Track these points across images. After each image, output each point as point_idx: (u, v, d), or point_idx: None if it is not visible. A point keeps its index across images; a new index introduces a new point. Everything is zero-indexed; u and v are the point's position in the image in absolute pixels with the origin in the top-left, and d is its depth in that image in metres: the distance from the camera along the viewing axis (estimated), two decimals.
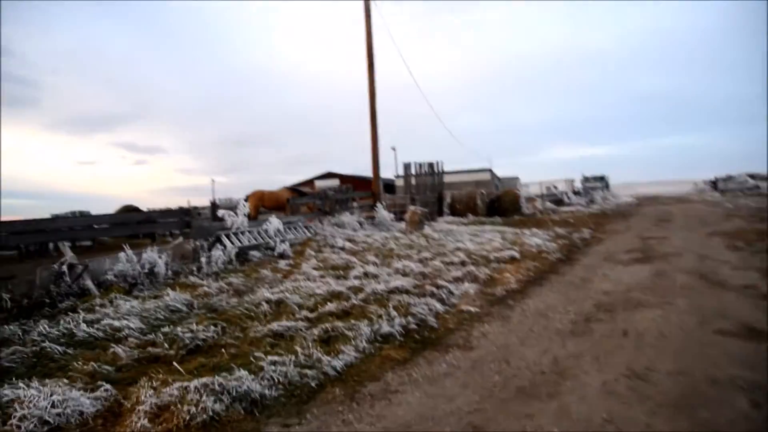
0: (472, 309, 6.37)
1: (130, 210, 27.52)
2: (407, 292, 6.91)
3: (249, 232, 11.16)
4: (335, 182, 43.46)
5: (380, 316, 5.66)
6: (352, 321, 5.53)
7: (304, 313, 6.01)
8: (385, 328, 5.32)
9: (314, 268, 9.10)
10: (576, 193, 42.44)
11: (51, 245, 14.00)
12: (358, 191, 34.35)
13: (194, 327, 5.49)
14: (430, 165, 25.52)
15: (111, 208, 33.30)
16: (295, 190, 18.09)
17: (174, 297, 6.90)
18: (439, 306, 6.31)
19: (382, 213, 17.58)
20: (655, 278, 7.66)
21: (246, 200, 17.69)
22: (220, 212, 10.67)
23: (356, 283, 7.59)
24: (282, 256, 10.49)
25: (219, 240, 10.29)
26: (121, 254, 8.48)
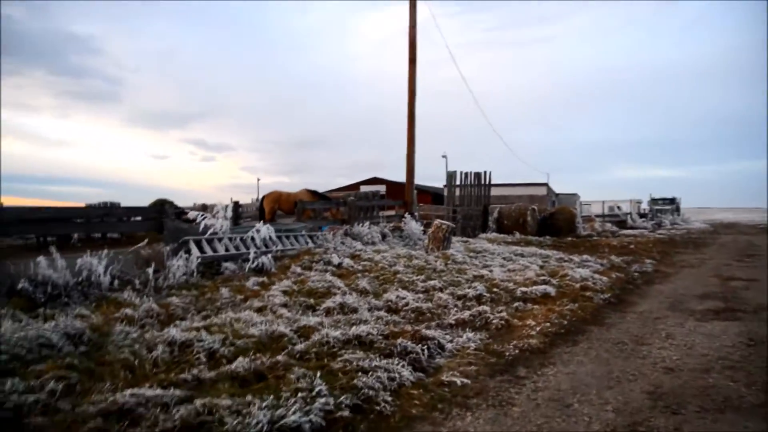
0: (458, 380, 4.24)
1: (162, 203, 26.71)
2: (371, 344, 4.84)
3: (231, 239, 9.40)
4: (381, 188, 41.71)
5: (298, 391, 3.64)
6: (251, 397, 3.54)
7: (196, 370, 4.07)
8: (293, 415, 3.29)
9: (283, 292, 7.19)
10: (642, 215, 38.69)
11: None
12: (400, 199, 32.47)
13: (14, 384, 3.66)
14: (477, 175, 23.19)
15: (180, 201, 32.78)
16: (317, 193, 16.36)
17: (64, 324, 5.14)
18: (406, 374, 4.22)
19: (411, 225, 15.52)
20: (746, 349, 5.23)
21: (261, 202, 16.09)
22: (191, 214, 8.98)
23: (315, 321, 5.59)
24: (260, 270, 8.65)
25: (185, 247, 8.57)
26: (41, 258, 6.86)
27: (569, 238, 20.91)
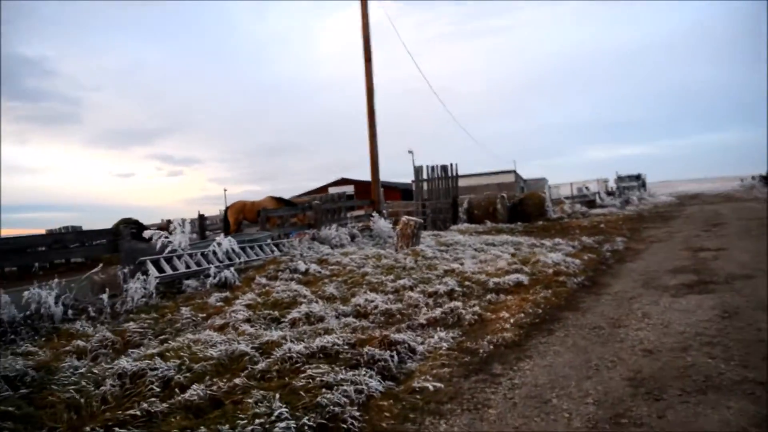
0: (430, 385, 3.99)
1: (128, 223, 25.85)
2: (336, 355, 4.56)
3: (191, 255, 8.99)
4: (349, 188, 41.35)
5: (256, 417, 3.34)
6: (205, 429, 3.23)
7: (146, 404, 3.73)
8: None
9: (247, 306, 6.84)
10: (609, 193, 39.23)
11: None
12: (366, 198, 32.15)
13: None
14: (444, 167, 23.05)
15: (148, 218, 31.83)
16: (282, 200, 15.97)
17: (2, 366, 4.72)
18: (375, 384, 3.95)
19: (380, 223, 15.26)
20: (721, 321, 5.12)
21: (225, 213, 15.62)
22: (147, 232, 8.54)
23: (278, 335, 5.27)
24: (223, 285, 8.27)
25: (142, 267, 8.14)
26: None
27: (540, 223, 20.95)
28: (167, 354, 4.86)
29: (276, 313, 6.48)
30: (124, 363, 4.47)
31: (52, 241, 8.32)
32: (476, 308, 6.20)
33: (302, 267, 8.97)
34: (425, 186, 23.40)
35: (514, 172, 36.65)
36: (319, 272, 8.98)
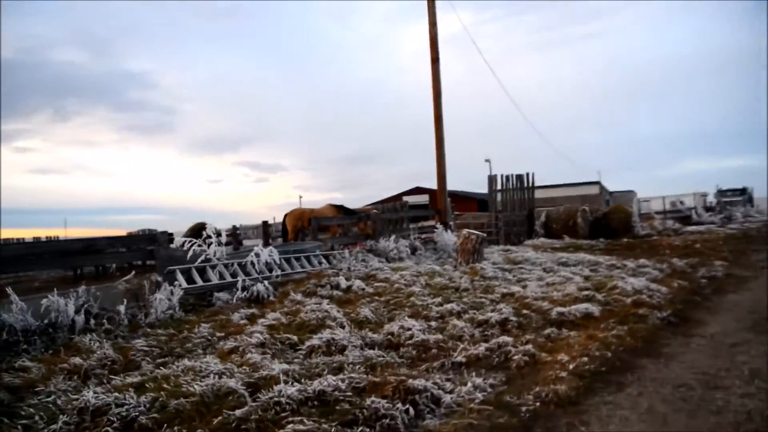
0: None
1: (202, 227, 26.43)
2: (334, 404, 3.66)
3: (227, 265, 8.46)
4: (424, 197, 40.42)
5: None
6: None
7: None
8: None
9: (269, 327, 6.12)
10: (708, 209, 35.60)
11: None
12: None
13: None
14: (519, 177, 21.61)
15: (233, 222, 32.72)
16: (342, 208, 15.35)
17: None
18: None
19: (444, 236, 14.24)
20: None
21: (284, 220, 15.23)
22: (178, 240, 8.09)
23: (282, 368, 4.46)
24: (255, 300, 7.64)
25: (172, 277, 7.68)
26: None
27: (625, 240, 18.95)
28: (147, 385, 4.19)
29: (296, 337, 5.70)
30: (89, 396, 3.82)
31: (83, 247, 8.03)
32: (529, 346, 5.08)
33: (344, 283, 8.18)
34: (499, 197, 22.07)
35: (599, 183, 34.13)
36: (363, 290, 8.13)
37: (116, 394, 3.89)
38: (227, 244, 21.73)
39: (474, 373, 4.52)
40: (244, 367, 4.69)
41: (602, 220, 22.20)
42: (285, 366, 4.58)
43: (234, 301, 7.64)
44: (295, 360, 4.99)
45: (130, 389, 4.03)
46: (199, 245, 8.16)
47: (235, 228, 20.61)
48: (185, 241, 8.08)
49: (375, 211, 13.27)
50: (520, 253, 13.26)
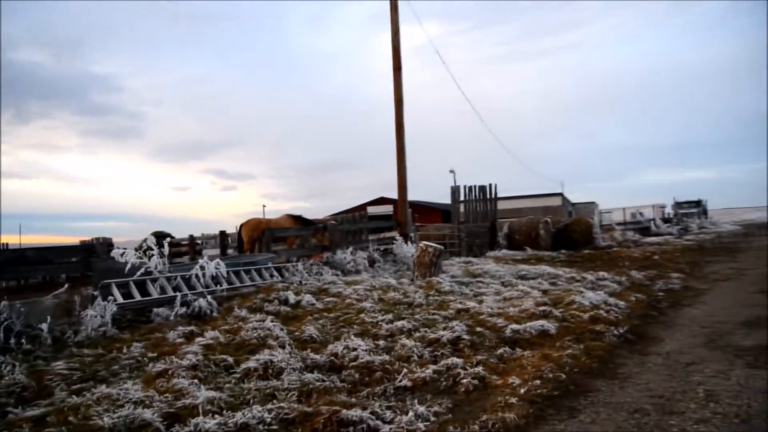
0: None
1: (161, 236, 25.47)
2: None
3: (170, 278, 7.93)
4: (388, 208, 40.13)
5: None
6: None
7: None
8: None
9: (205, 347, 5.66)
10: (666, 220, 36.43)
11: None
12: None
13: None
14: (482, 188, 21.58)
15: (199, 231, 31.47)
16: (300, 218, 14.89)
17: None
18: None
19: (403, 248, 13.94)
20: None
21: (239, 231, 14.66)
22: (115, 251, 7.53)
23: (204, 398, 4.03)
24: (197, 315, 7.15)
25: (107, 291, 7.13)
26: None
27: (586, 251, 19.05)
28: (49, 419, 3.70)
29: (232, 358, 5.26)
30: None
31: (12, 258, 7.40)
32: (479, 368, 4.77)
33: (292, 298, 7.76)
34: (462, 208, 21.97)
35: (561, 195, 34.49)
36: (312, 305, 7.73)
37: None
38: (183, 254, 21.03)
39: (418, 399, 4.18)
40: (167, 395, 4.25)
41: (564, 232, 22.33)
42: (212, 393, 4.15)
43: (173, 317, 7.13)
44: (227, 385, 4.56)
45: (25, 425, 3.54)
46: (139, 257, 7.61)
47: (192, 237, 19.83)
48: (122, 251, 7.51)
49: (332, 222, 12.87)
50: (481, 266, 13.05)
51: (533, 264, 14.35)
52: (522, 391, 4.22)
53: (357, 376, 4.81)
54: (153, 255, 7.75)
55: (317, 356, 5.30)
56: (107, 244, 7.69)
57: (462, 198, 21.60)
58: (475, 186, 21.38)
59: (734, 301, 7.92)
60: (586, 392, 4.27)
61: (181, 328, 6.55)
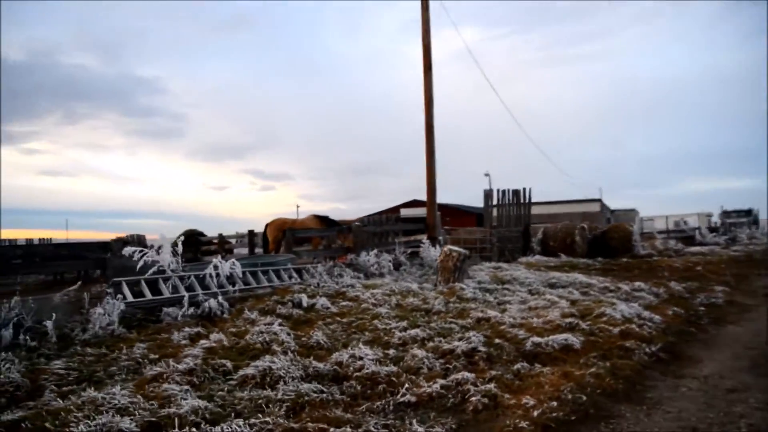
0: None
1: (192, 234, 25.73)
2: None
3: (183, 278, 7.79)
4: (422, 210, 39.70)
5: None
6: None
7: None
8: None
9: (207, 350, 5.44)
10: (712, 229, 34.78)
11: None
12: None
13: None
14: (515, 192, 20.95)
15: (238, 229, 31.72)
16: (326, 219, 14.69)
17: None
18: None
19: (430, 252, 13.54)
20: None
21: (265, 230, 14.57)
22: (127, 249, 7.43)
23: (190, 407, 3.77)
24: (207, 316, 6.97)
25: (118, 289, 7.02)
26: None
27: (624, 260, 18.18)
28: (24, 425, 3.51)
29: (231, 365, 5.01)
30: None
31: (24, 254, 7.39)
32: (492, 385, 4.37)
33: (306, 301, 7.49)
34: (495, 212, 21.39)
35: (600, 201, 33.33)
36: (327, 308, 7.45)
37: None
38: (214, 252, 21.15)
39: (420, 418, 3.84)
40: (153, 401, 4.02)
41: (601, 239, 21.46)
42: (198, 403, 3.90)
43: (182, 317, 6.96)
44: (219, 393, 4.30)
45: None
46: (151, 255, 7.48)
47: (221, 236, 19.90)
48: (135, 250, 7.40)
49: (357, 223, 12.60)
50: (511, 272, 12.55)
51: (566, 271, 13.72)
52: (535, 413, 3.82)
53: (359, 388, 4.49)
54: (165, 253, 7.62)
55: (321, 364, 4.99)
56: (122, 242, 7.69)
57: (495, 202, 21.01)
58: (508, 190, 20.79)
59: None
60: (608, 418, 3.83)
61: (188, 329, 6.36)
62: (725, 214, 40.26)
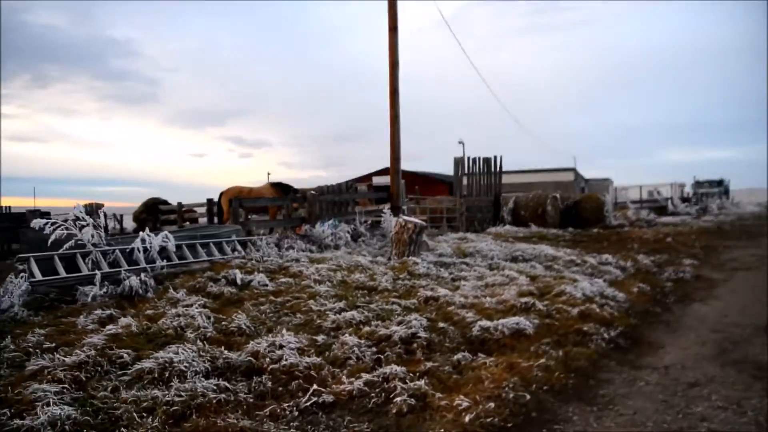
0: None
1: (156, 203, 24.63)
2: None
3: (106, 253, 7.01)
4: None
5: None
6: None
7: None
8: None
9: (111, 337, 4.74)
10: (684, 199, 34.84)
11: None
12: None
13: None
14: (486, 160, 20.34)
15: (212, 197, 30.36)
16: (282, 186, 13.87)
17: None
18: None
19: (391, 223, 12.88)
20: None
21: (219, 199, 13.74)
22: (36, 221, 6.60)
23: (50, 417, 3.10)
24: (128, 296, 6.24)
25: (26, 266, 6.24)
26: None
27: (595, 230, 17.84)
28: None
29: (130, 356, 4.32)
30: None
31: None
32: (422, 382, 3.78)
33: (240, 278, 6.80)
34: (465, 180, 20.81)
35: (574, 170, 32.93)
36: (265, 286, 6.77)
37: None
38: (172, 222, 20.21)
39: (332, 422, 3.23)
40: (16, 406, 3.34)
41: (573, 209, 21.06)
42: (62, 411, 3.22)
43: (100, 298, 6.22)
44: (102, 394, 3.63)
45: None
46: (67, 228, 6.67)
47: (180, 205, 18.97)
48: (47, 221, 6.57)
49: (312, 192, 11.86)
50: (475, 243, 12.01)
51: (534, 243, 13.26)
52: (468, 418, 3.24)
53: (270, 384, 3.85)
54: (85, 226, 6.81)
55: (234, 355, 4.34)
56: (39, 213, 6.85)
57: (466, 171, 20.41)
58: (479, 158, 20.16)
59: (755, 297, 6.81)
60: (552, 423, 3.27)
61: (99, 311, 5.63)
62: (697, 184, 40.42)
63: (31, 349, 4.64)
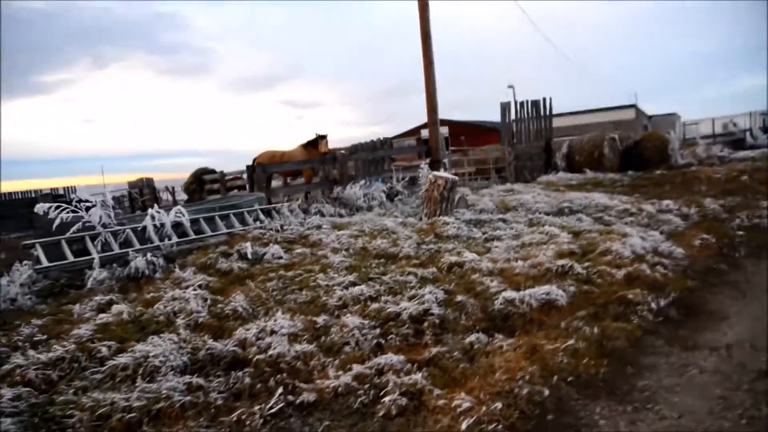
0: None
1: (204, 172, 24.87)
2: None
3: (117, 233, 6.74)
4: (444, 130, 37.63)
5: None
6: None
7: None
8: None
9: (100, 327, 4.43)
10: (766, 130, 31.63)
11: None
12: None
13: None
14: (534, 103, 18.92)
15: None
16: (316, 146, 13.25)
17: None
18: None
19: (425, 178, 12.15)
20: None
21: (252, 165, 13.35)
22: (39, 206, 6.35)
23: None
24: (135, 278, 5.95)
25: (32, 252, 6.06)
26: None
27: (658, 172, 16.31)
28: None
29: (110, 349, 3.97)
30: None
31: None
32: (419, 375, 3.19)
33: (251, 252, 6.37)
34: (514, 127, 19.53)
35: (635, 107, 30.32)
36: (279, 259, 6.32)
37: None
38: (216, 191, 20.23)
39: (306, 430, 2.73)
40: None
41: (634, 150, 19.40)
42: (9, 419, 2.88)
43: (107, 281, 5.97)
44: (62, 398, 3.29)
45: None
46: (73, 210, 6.42)
47: (222, 174, 18.89)
48: (50, 206, 6.35)
49: (342, 151, 11.24)
50: (521, 195, 11.11)
51: (588, 191, 12.18)
52: (465, 424, 2.64)
53: (248, 380, 3.38)
54: (92, 207, 6.54)
55: (219, 344, 3.90)
56: (52, 196, 6.69)
57: (513, 116, 19.10)
58: (527, 101, 18.75)
59: None
60: (571, 429, 2.62)
61: (99, 297, 5.37)
62: None
63: (20, 344, 4.42)
